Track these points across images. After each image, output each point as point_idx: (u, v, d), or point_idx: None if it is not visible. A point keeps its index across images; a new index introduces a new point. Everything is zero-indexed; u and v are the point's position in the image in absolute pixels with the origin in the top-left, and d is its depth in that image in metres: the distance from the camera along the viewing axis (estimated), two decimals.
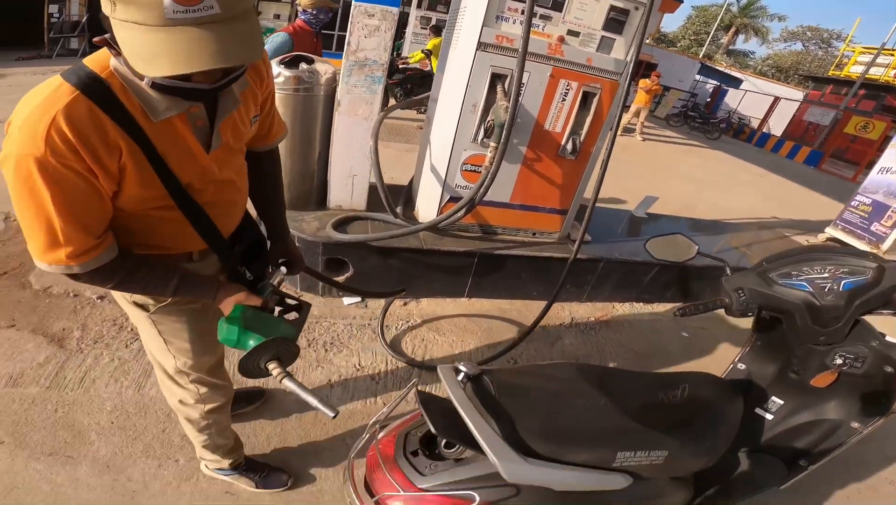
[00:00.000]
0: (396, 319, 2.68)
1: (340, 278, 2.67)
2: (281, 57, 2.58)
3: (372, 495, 1.14)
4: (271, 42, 3.23)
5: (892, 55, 15.14)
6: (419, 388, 1.10)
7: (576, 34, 2.44)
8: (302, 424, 2.01)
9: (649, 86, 10.61)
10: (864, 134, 13.92)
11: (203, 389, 1.34)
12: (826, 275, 1.35)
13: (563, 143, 2.72)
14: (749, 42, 39.67)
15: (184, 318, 1.17)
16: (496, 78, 2.45)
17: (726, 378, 1.66)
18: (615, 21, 2.44)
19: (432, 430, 0.98)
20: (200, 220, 1.01)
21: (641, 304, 3.36)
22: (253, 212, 1.34)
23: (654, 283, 3.28)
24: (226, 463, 1.67)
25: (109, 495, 1.65)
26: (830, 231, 5.01)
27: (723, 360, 2.89)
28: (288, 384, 0.97)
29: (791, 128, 17.03)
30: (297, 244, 1.43)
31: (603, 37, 2.47)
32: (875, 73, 15.16)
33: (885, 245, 4.53)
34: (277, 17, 12.04)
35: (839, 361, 1.37)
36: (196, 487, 1.73)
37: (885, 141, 12.60)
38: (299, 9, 3.38)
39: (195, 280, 1.06)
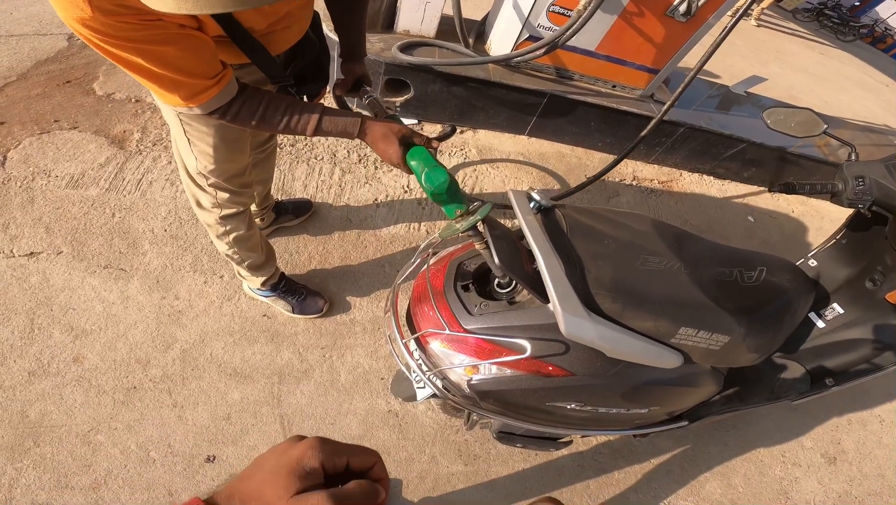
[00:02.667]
0: (450, 146, 2.61)
1: (399, 99, 2.58)
2: None
3: (413, 331, 1.05)
4: None
5: None
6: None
7: None
8: (344, 243, 2.03)
9: None
10: None
11: (222, 195, 1.31)
12: None
13: (675, 2, 2.34)
14: None
15: (212, 121, 1.09)
16: None
17: None
18: None
19: (495, 259, 0.85)
20: (254, 50, 0.94)
21: (713, 178, 3.11)
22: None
23: (734, 159, 3.00)
24: (258, 281, 1.67)
25: (156, 316, 1.71)
26: None
27: (784, 254, 2.69)
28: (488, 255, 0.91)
29: None
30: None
31: None
32: None
33: None
34: None
35: None
36: (237, 307, 1.79)
37: None
38: None
39: (338, 116, 0.98)
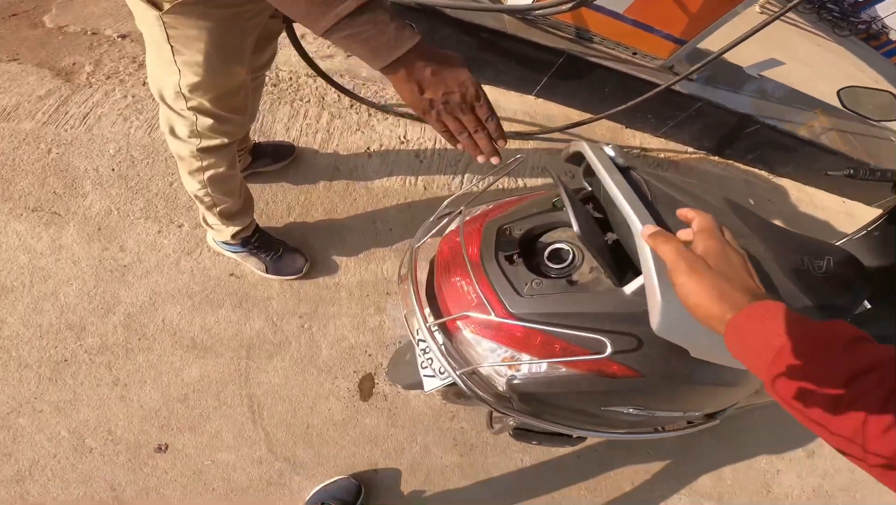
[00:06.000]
0: None
1: None
2: None
3: (433, 308, 0.82)
4: None
5: None
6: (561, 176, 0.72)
7: None
8: (329, 194, 1.78)
9: None
10: None
11: (203, 121, 1.07)
12: None
13: None
14: None
15: (204, 22, 0.88)
16: None
17: None
18: None
19: (576, 229, 0.66)
20: None
21: (717, 157, 3.02)
22: None
23: (742, 140, 2.91)
24: (228, 233, 1.41)
25: (95, 271, 1.42)
26: None
27: None
28: None
29: None
30: None
31: None
32: None
33: None
34: None
35: None
36: (197, 263, 1.52)
37: None
38: None
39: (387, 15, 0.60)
